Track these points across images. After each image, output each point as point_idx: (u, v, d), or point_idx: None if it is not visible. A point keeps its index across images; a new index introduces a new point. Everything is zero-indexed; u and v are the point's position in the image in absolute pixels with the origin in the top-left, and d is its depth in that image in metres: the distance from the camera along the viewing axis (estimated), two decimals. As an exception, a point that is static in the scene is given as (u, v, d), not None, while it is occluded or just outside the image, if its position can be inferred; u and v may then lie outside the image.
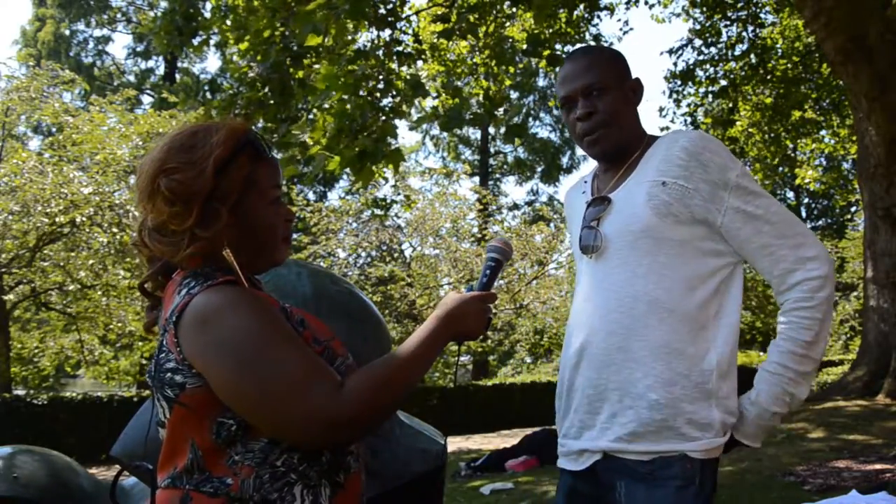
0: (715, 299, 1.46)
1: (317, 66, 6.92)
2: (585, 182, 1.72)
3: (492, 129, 27.03)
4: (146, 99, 24.86)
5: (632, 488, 1.43)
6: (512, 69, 9.12)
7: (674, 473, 1.40)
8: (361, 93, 6.44)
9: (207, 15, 7.67)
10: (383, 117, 6.55)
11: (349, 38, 7.04)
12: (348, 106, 6.30)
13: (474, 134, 28.11)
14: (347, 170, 6.58)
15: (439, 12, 7.79)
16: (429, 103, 8.52)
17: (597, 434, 1.48)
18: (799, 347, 1.43)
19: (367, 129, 6.26)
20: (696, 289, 1.45)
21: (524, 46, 7.87)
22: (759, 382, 1.47)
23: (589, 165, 1.81)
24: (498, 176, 29.39)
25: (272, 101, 6.82)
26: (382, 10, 6.93)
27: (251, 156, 1.16)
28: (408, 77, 6.76)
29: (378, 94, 6.65)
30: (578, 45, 8.91)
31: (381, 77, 6.58)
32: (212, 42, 10.85)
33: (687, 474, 1.40)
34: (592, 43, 10.26)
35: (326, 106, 6.67)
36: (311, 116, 7.42)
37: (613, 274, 1.50)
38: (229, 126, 1.17)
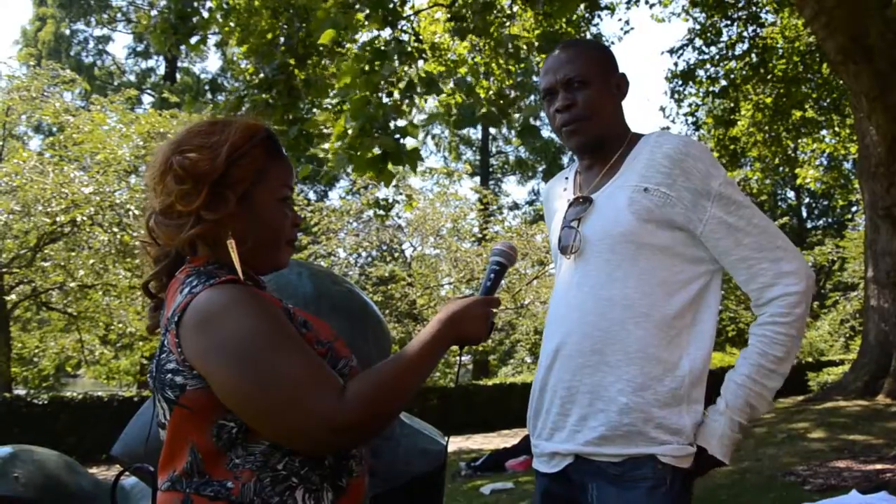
0: (692, 306, 1.46)
1: (321, 66, 6.90)
2: (567, 178, 1.69)
3: (493, 130, 27.00)
4: (147, 98, 24.88)
5: (603, 490, 1.42)
6: (513, 69, 9.12)
7: (644, 474, 1.40)
8: (381, 95, 6.42)
9: (206, 14, 7.64)
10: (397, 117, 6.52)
11: (358, 37, 7.03)
12: (370, 103, 6.26)
13: (475, 134, 28.12)
14: (350, 169, 6.57)
15: (450, 10, 7.75)
16: (433, 101, 8.48)
17: (566, 436, 1.47)
18: (769, 362, 1.43)
19: (387, 130, 6.23)
20: (673, 294, 1.44)
21: (535, 42, 7.83)
22: (725, 392, 1.46)
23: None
24: (499, 176, 29.42)
25: (280, 104, 6.81)
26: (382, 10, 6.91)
27: (265, 150, 1.19)
28: (422, 75, 6.71)
29: (388, 93, 6.63)
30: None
31: (387, 76, 6.55)
32: (211, 41, 10.84)
33: (658, 475, 1.39)
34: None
35: (341, 102, 6.64)
36: (316, 111, 7.40)
37: (591, 276, 1.48)
38: (247, 120, 1.20)
